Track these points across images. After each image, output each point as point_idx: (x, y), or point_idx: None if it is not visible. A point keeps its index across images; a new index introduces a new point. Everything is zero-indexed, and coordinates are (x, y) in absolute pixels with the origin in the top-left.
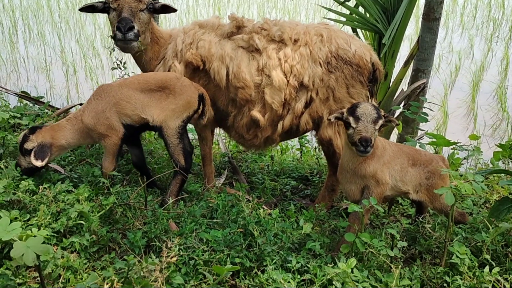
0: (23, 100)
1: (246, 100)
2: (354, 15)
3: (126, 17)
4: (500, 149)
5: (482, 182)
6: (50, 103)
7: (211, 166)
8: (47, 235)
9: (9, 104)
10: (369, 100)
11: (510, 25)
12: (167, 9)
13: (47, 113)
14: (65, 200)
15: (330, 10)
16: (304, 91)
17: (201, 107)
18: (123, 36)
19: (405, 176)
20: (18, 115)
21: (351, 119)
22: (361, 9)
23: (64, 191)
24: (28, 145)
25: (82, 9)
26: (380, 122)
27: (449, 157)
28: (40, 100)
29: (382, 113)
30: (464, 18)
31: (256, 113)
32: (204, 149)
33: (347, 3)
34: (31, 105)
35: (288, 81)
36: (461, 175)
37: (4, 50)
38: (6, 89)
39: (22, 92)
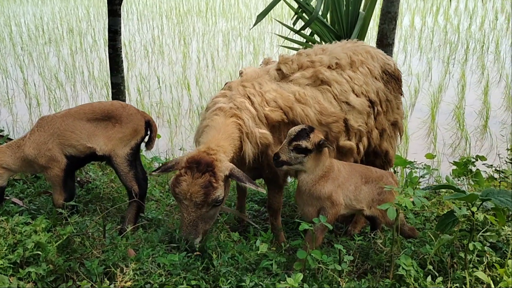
0: None
1: (339, 132)
2: (309, 42)
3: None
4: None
5: (423, 197)
6: (9, 136)
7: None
8: (1, 265)
9: None
10: None
11: (465, 48)
12: None
13: None
14: (23, 232)
15: (286, 38)
16: (372, 107)
17: (148, 133)
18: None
19: (359, 194)
20: None
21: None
22: (316, 37)
23: (22, 223)
24: None
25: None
26: (294, 143)
27: (408, 176)
28: (0, 134)
29: (315, 138)
30: (422, 42)
31: (346, 143)
32: (278, 200)
33: (302, 31)
34: None
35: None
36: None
37: None
38: None
39: None
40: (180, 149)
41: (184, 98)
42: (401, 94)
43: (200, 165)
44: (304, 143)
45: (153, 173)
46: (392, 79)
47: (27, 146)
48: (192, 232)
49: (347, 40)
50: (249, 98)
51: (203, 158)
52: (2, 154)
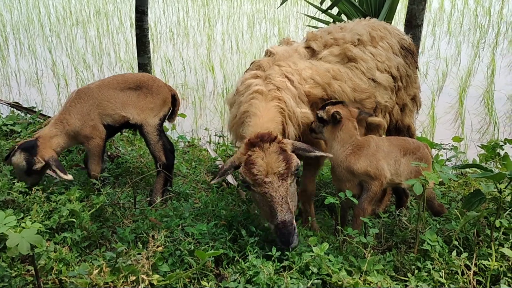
0: (14, 111)
1: (372, 108)
2: (336, 22)
3: None
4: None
5: (450, 173)
6: (41, 112)
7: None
8: (39, 228)
9: (1, 114)
10: None
11: (496, 31)
12: None
13: (38, 121)
14: (57, 200)
15: (313, 18)
16: (394, 82)
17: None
18: None
19: (399, 168)
20: (11, 123)
21: None
22: (344, 16)
23: (56, 193)
24: (38, 166)
25: None
26: (317, 112)
27: (433, 158)
28: (32, 109)
29: (330, 110)
30: (451, 25)
31: (374, 119)
32: (314, 184)
33: (329, 11)
34: (23, 115)
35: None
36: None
37: None
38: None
39: (15, 102)
40: (205, 129)
41: (208, 80)
42: (417, 68)
43: (263, 138)
44: (320, 113)
45: (212, 182)
46: (409, 53)
47: (72, 118)
48: (288, 211)
49: (362, 18)
50: (287, 77)
51: (261, 133)
52: (56, 138)
